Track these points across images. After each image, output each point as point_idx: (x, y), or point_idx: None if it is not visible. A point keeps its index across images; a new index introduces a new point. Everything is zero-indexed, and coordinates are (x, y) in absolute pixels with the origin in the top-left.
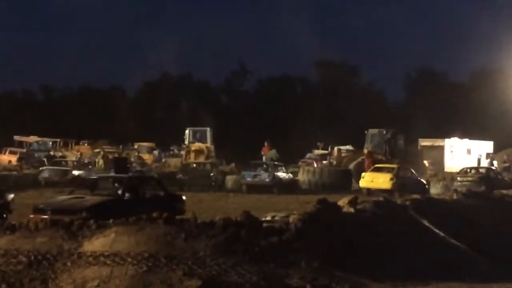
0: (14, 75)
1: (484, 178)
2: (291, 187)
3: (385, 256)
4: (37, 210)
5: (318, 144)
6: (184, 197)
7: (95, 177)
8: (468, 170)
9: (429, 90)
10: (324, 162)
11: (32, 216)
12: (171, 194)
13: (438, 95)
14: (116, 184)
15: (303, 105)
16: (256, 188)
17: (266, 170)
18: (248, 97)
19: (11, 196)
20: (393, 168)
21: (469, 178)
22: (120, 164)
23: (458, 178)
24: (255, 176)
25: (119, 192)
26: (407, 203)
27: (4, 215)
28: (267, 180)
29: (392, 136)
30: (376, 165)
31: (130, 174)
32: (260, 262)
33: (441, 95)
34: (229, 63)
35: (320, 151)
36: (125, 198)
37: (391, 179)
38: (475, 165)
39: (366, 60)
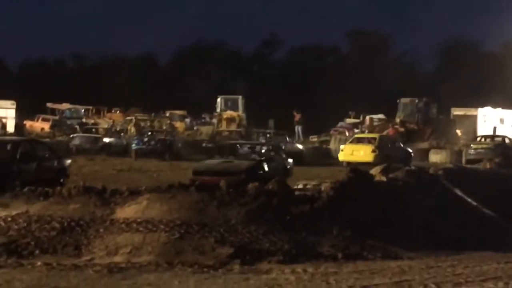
0: (45, 43)
1: (500, 146)
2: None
3: (417, 225)
4: (197, 173)
5: (350, 113)
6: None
7: (234, 142)
8: (484, 138)
9: (461, 60)
10: (356, 130)
11: (192, 178)
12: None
13: (470, 64)
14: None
15: (335, 74)
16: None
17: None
18: (279, 66)
19: (68, 161)
20: (374, 139)
21: (484, 146)
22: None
23: (472, 146)
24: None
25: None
26: (440, 172)
27: (62, 180)
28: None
29: (424, 105)
30: (357, 135)
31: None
32: (292, 230)
33: (473, 65)
34: (260, 32)
35: (352, 120)
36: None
37: (373, 151)
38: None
39: (398, 29)
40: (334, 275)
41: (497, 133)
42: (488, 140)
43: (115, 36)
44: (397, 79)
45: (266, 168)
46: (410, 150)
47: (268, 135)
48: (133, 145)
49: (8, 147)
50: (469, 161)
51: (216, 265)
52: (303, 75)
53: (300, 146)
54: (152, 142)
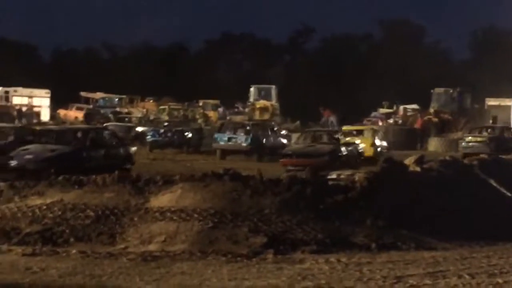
0: (77, 33)
1: (495, 140)
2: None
3: (452, 216)
4: (286, 155)
5: (383, 103)
6: None
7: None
8: (482, 130)
9: (495, 49)
10: (389, 121)
11: (282, 160)
12: None
13: (505, 53)
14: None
15: (368, 64)
16: (232, 154)
17: (246, 132)
18: (312, 55)
19: (134, 149)
20: (371, 131)
21: (478, 139)
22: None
23: (465, 138)
24: (230, 139)
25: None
26: (474, 162)
27: (128, 166)
28: (244, 144)
29: (458, 95)
30: (345, 127)
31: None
32: (326, 220)
33: (508, 54)
34: (292, 21)
35: (385, 110)
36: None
37: (372, 145)
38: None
39: (431, 18)
40: (367, 265)
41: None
42: (485, 132)
43: (146, 25)
44: (431, 68)
45: (344, 152)
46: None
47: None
48: (148, 136)
49: (79, 134)
50: (466, 155)
51: (249, 255)
52: (335, 65)
53: None
54: (169, 134)
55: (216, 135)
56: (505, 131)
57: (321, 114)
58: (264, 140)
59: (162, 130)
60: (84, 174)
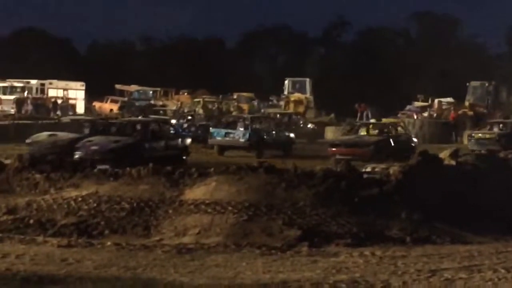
0: (113, 25)
1: (505, 136)
2: (284, 147)
3: (487, 210)
4: (333, 145)
5: (419, 96)
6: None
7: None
8: (496, 124)
9: None
10: (424, 114)
11: (329, 149)
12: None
13: None
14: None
15: (403, 57)
16: (230, 149)
17: (245, 127)
18: (347, 48)
19: (189, 140)
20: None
21: (487, 136)
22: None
23: (474, 135)
24: (227, 134)
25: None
26: (510, 156)
27: (184, 157)
28: (241, 140)
29: (494, 89)
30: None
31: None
32: (360, 213)
33: None
34: (328, 14)
35: (420, 103)
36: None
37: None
38: None
39: (467, 11)
40: (402, 258)
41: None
42: (496, 127)
43: (182, 18)
44: (467, 62)
45: (392, 144)
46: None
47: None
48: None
49: (139, 126)
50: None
51: (284, 247)
52: (370, 58)
53: None
54: (192, 128)
55: (212, 130)
56: None
57: (357, 110)
58: (265, 135)
59: (185, 125)
60: (145, 165)
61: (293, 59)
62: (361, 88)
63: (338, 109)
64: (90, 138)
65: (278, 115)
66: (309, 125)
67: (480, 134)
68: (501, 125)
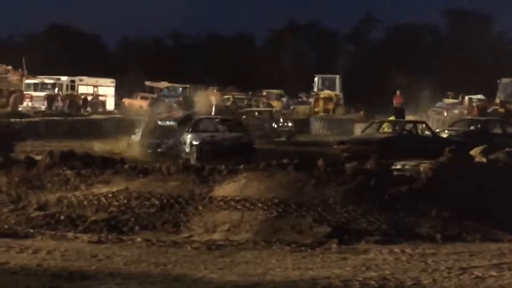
0: (144, 22)
1: (473, 135)
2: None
3: None
4: (340, 142)
5: (449, 93)
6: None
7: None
8: (467, 122)
9: None
10: (455, 111)
11: (335, 147)
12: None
13: None
14: (396, 127)
15: (433, 53)
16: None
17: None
18: (376, 45)
19: (254, 137)
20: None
21: (452, 133)
22: (399, 112)
23: (438, 130)
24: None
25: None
26: None
27: (251, 154)
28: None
29: None
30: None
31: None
32: (390, 211)
33: None
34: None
35: (451, 100)
36: (404, 137)
37: None
38: None
39: (497, 8)
40: (432, 256)
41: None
42: (465, 125)
43: (211, 14)
44: (498, 59)
45: (404, 142)
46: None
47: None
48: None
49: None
50: None
51: (313, 244)
52: (400, 54)
53: None
54: None
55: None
56: (492, 125)
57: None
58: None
59: None
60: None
61: (323, 56)
62: (391, 85)
63: (368, 106)
64: (207, 134)
65: (256, 113)
66: (289, 123)
67: (448, 131)
68: (472, 123)
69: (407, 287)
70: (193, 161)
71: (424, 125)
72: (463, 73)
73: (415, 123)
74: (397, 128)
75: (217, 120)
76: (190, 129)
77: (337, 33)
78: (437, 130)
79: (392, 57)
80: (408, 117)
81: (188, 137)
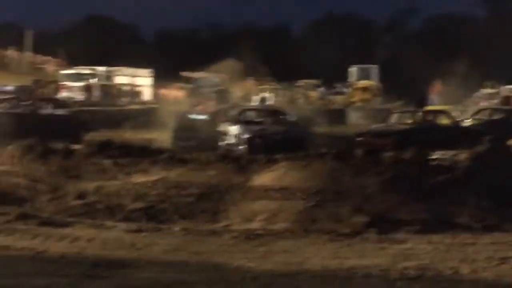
0: (180, 13)
1: (493, 124)
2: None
3: None
4: (359, 134)
5: (487, 83)
6: None
7: (400, 110)
8: (492, 110)
9: None
10: (493, 101)
11: (357, 139)
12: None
13: None
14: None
15: (471, 43)
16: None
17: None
18: (414, 35)
19: (309, 130)
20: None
21: (474, 122)
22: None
23: (460, 120)
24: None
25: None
26: None
27: (305, 146)
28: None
29: None
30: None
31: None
32: (429, 200)
33: None
34: (393, 1)
35: (489, 91)
36: (422, 127)
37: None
38: None
39: None
40: (471, 246)
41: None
42: (488, 114)
43: (248, 5)
44: None
45: (426, 133)
46: None
47: None
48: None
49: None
50: None
51: (352, 233)
52: (438, 44)
53: None
54: None
55: None
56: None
57: (431, 86)
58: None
59: None
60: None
61: (360, 46)
62: (429, 74)
63: (406, 96)
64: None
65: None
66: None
67: (469, 121)
68: (493, 112)
69: (446, 276)
70: (240, 153)
71: (445, 114)
72: (503, 63)
73: (435, 112)
74: (417, 118)
75: (263, 110)
76: (234, 120)
77: (374, 23)
78: (460, 120)
79: (430, 46)
80: (440, 108)
81: (235, 129)
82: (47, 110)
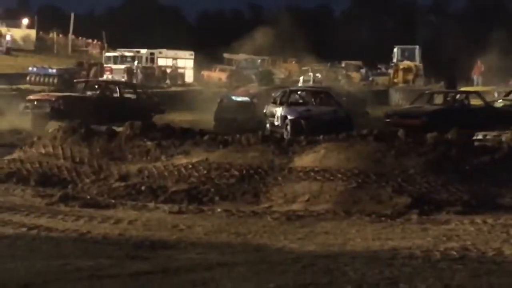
0: None
1: None
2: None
3: None
4: (388, 116)
5: None
6: None
7: (430, 92)
8: None
9: None
10: None
11: (385, 120)
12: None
13: None
14: (448, 99)
15: None
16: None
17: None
18: (458, 15)
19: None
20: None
21: (507, 103)
22: (451, 81)
23: (496, 103)
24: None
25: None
26: None
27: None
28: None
29: None
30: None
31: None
32: (471, 181)
33: None
34: None
35: None
36: (452, 108)
37: None
38: None
39: None
40: None
41: None
42: None
43: None
44: None
45: (456, 114)
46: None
47: None
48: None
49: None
50: None
51: (393, 215)
52: (482, 25)
53: None
54: None
55: None
56: None
57: (474, 66)
58: None
59: None
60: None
61: (403, 27)
62: (471, 55)
63: (449, 76)
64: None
65: None
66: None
67: (501, 101)
68: None
69: (488, 257)
70: (286, 136)
71: (477, 95)
72: None
73: (467, 93)
74: (448, 99)
75: (308, 92)
76: (279, 101)
77: (416, 3)
78: (492, 101)
79: (473, 26)
80: (481, 88)
81: (279, 110)
82: (116, 93)
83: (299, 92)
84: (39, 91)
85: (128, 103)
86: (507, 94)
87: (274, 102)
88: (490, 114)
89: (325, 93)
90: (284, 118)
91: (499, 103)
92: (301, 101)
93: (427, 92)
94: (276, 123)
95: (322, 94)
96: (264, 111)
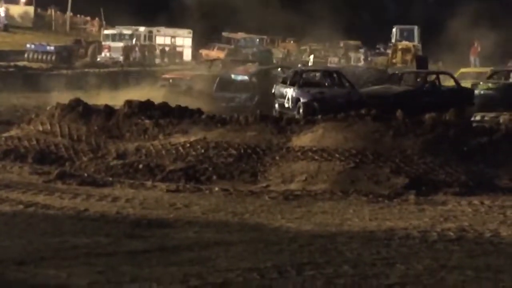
0: None
1: (506, 88)
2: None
3: None
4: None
5: None
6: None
7: (398, 72)
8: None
9: None
10: None
11: None
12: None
13: None
14: (418, 79)
15: None
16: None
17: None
18: None
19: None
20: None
21: (489, 85)
22: (422, 61)
23: (479, 86)
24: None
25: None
26: None
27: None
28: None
29: None
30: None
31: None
32: (469, 162)
33: None
34: None
35: None
36: (424, 89)
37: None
38: None
39: None
40: (511, 208)
41: None
42: (504, 77)
43: None
44: None
45: (426, 95)
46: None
47: None
48: None
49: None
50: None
51: (391, 195)
52: (481, 5)
53: None
54: None
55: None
56: None
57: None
58: None
59: None
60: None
61: (401, 7)
62: (472, 36)
63: (447, 57)
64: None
65: None
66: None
67: (482, 84)
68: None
69: (485, 238)
70: (297, 117)
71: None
72: None
73: (437, 74)
74: (418, 80)
75: (321, 72)
76: (289, 82)
77: None
78: (473, 82)
79: (473, 7)
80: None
81: (290, 91)
82: None
83: (310, 72)
84: (173, 70)
85: None
86: (489, 77)
87: (284, 82)
88: (462, 96)
89: (337, 73)
90: (296, 100)
91: (482, 85)
92: (313, 81)
93: (396, 72)
94: (286, 105)
95: (334, 75)
96: (273, 91)
